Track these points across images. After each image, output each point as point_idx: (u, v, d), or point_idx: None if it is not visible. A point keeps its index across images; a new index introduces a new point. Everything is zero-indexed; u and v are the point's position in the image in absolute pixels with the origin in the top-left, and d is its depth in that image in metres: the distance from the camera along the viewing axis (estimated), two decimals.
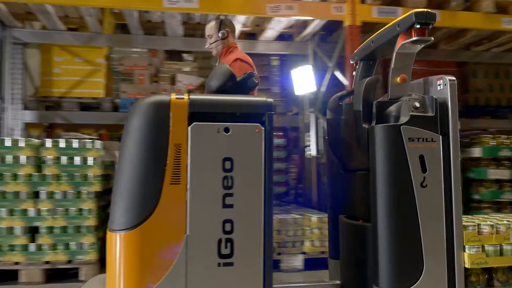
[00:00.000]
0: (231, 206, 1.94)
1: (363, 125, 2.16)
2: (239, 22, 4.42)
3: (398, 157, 2.08)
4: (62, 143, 3.56)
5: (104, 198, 3.77)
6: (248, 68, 2.81)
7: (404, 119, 2.10)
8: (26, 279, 3.34)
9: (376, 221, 2.06)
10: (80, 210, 3.50)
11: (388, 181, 2.08)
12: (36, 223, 3.43)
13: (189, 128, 1.91)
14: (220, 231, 1.92)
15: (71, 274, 3.50)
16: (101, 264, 3.59)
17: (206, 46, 2.99)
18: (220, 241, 1.92)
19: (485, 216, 3.20)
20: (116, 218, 1.85)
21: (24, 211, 3.41)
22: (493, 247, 2.60)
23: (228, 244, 1.94)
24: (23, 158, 3.43)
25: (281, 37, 5.11)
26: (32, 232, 3.44)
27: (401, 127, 2.09)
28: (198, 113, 1.95)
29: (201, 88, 5.38)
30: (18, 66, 4.85)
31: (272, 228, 2.01)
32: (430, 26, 2.17)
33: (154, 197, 1.85)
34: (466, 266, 2.69)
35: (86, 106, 5.14)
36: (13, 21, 4.49)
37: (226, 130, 1.96)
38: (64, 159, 3.52)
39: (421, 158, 2.12)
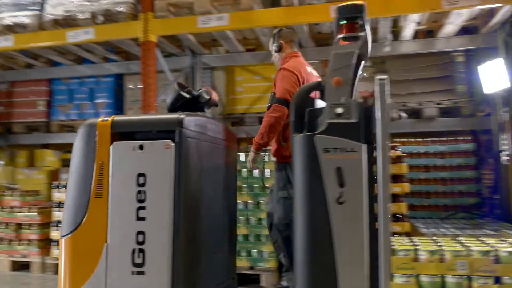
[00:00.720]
0: (143, 218, 2.09)
1: (293, 135, 1.92)
2: (413, 21, 4.13)
3: (310, 170, 1.82)
4: (242, 157, 3.84)
5: None
6: (290, 77, 2.80)
7: (321, 127, 1.84)
8: None
9: (296, 243, 1.85)
10: (260, 219, 3.72)
11: (301, 196, 1.84)
12: None
13: (111, 147, 2.13)
14: (134, 241, 2.08)
15: (253, 279, 3.71)
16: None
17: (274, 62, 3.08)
18: (133, 251, 2.08)
19: (435, 238, 2.26)
20: (61, 226, 2.18)
21: None
22: (430, 278, 1.77)
23: (141, 254, 2.07)
24: None
25: (464, 30, 4.58)
26: None
27: (315, 137, 1.84)
28: (119, 133, 2.15)
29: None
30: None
31: (185, 238, 2.05)
32: (360, 21, 1.93)
33: (83, 209, 2.13)
34: None
35: None
36: (201, 49, 5.06)
37: (141, 147, 2.13)
38: (244, 172, 3.80)
39: (338, 171, 1.80)
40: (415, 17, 4.06)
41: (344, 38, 1.94)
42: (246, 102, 5.46)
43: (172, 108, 2.53)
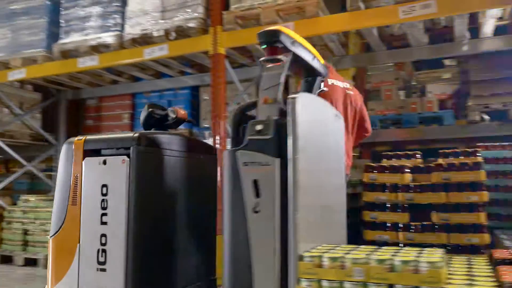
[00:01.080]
0: (106, 223, 2.49)
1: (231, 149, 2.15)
2: (492, 17, 3.85)
3: (233, 181, 2.07)
4: None
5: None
6: None
7: (243, 143, 2.08)
8: None
9: (224, 246, 2.10)
10: None
11: (226, 205, 2.10)
12: None
13: (83, 162, 2.56)
14: (99, 243, 2.49)
15: None
16: None
17: None
18: (98, 251, 2.48)
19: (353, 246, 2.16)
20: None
21: None
22: (330, 283, 1.79)
23: (103, 253, 2.47)
24: None
25: None
26: None
27: (237, 152, 2.08)
28: (90, 150, 2.59)
29: (454, 97, 4.91)
30: None
31: (138, 241, 2.41)
32: (279, 44, 2.11)
33: (63, 214, 2.59)
34: None
35: None
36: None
37: (104, 162, 2.51)
38: None
39: (255, 182, 2.02)
40: (495, 12, 3.78)
41: (266, 60, 2.17)
42: None
43: (146, 126, 2.92)
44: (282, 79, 2.14)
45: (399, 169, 3.52)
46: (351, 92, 3.26)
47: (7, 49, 5.44)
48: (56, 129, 6.68)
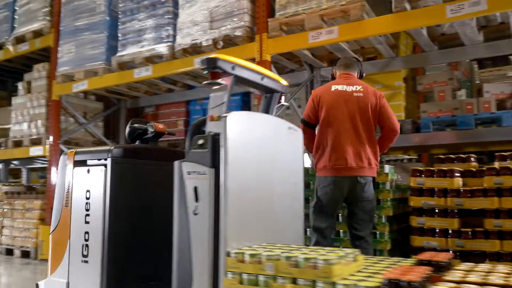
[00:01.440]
0: (88, 222, 2.95)
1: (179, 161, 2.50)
2: None
3: (180, 188, 2.46)
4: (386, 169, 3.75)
5: (396, 223, 3.75)
6: (310, 100, 3.38)
7: (187, 155, 2.46)
8: None
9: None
10: (374, 234, 3.61)
11: (175, 209, 2.49)
12: (336, 244, 3.75)
13: (73, 171, 3.06)
14: (83, 239, 2.96)
15: None
16: None
17: None
18: (83, 245, 2.95)
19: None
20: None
21: None
22: (248, 276, 2.11)
23: (86, 248, 2.94)
24: None
25: None
26: None
27: (182, 163, 2.45)
28: (78, 161, 3.07)
29: None
30: None
31: (112, 238, 2.85)
32: (218, 70, 2.45)
33: (59, 214, 3.10)
34: None
35: None
36: (319, 63, 5.12)
37: (88, 171, 2.99)
38: None
39: (195, 189, 2.40)
40: None
41: (209, 84, 2.50)
42: None
43: (130, 140, 3.36)
44: (225, 99, 2.50)
45: (448, 173, 3.41)
46: (361, 94, 3.24)
47: (72, 63, 5.86)
48: (117, 136, 7.09)
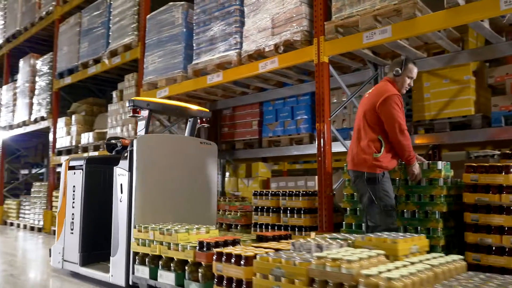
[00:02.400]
0: (74, 207, 4.73)
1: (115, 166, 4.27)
2: None
3: (115, 185, 4.15)
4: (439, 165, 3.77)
5: (450, 219, 3.72)
6: None
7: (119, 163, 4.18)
8: None
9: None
10: (428, 230, 3.64)
11: (114, 198, 4.17)
12: None
13: (67, 173, 4.92)
14: (71, 218, 4.76)
15: None
16: None
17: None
18: (71, 222, 4.73)
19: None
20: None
21: None
22: (142, 241, 3.79)
23: (72, 223, 4.69)
24: None
25: None
26: None
27: (116, 167, 4.18)
28: (70, 166, 4.90)
29: None
30: None
31: (85, 218, 4.67)
32: (136, 107, 4.43)
33: (61, 201, 4.97)
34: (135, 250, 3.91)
35: (457, 126, 5.15)
36: (382, 60, 5.16)
37: (74, 173, 4.81)
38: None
39: (121, 185, 4.07)
40: None
41: (132, 116, 4.46)
42: (435, 108, 5.27)
43: (108, 151, 4.89)
44: (143, 126, 4.45)
45: (503, 169, 3.34)
46: (366, 96, 3.75)
47: (156, 72, 6.52)
48: (198, 136, 7.66)
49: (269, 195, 4.86)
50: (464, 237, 3.51)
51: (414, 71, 3.76)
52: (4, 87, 11.54)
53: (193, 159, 4.43)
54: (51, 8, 9.55)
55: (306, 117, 6.36)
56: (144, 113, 4.41)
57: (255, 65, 5.17)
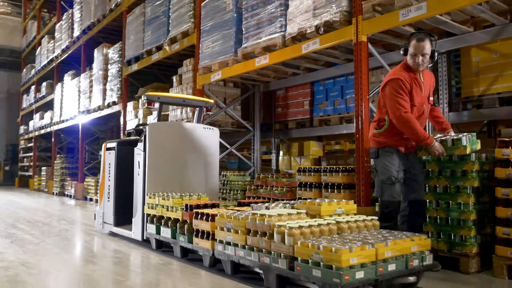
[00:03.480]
0: (110, 180, 5.85)
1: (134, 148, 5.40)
2: None
3: (135, 162, 5.24)
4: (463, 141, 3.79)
5: (485, 194, 3.74)
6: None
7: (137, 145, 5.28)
8: None
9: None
10: (459, 204, 3.69)
11: (134, 173, 5.27)
12: None
13: (105, 153, 6.02)
14: (108, 189, 5.90)
15: (451, 263, 3.74)
16: (481, 258, 3.62)
17: (424, 64, 3.75)
18: (107, 192, 5.91)
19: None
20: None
21: None
22: (152, 205, 4.78)
23: (109, 193, 5.85)
24: None
25: None
26: None
27: (134, 148, 5.27)
28: (107, 147, 5.98)
29: None
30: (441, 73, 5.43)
31: (117, 188, 5.78)
32: (149, 100, 5.53)
33: (101, 176, 6.15)
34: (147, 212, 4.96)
35: (507, 101, 5.01)
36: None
37: (110, 153, 5.92)
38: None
39: (139, 162, 5.15)
40: None
41: (147, 108, 5.98)
42: (483, 83, 5.15)
43: (137, 135, 5.47)
44: (155, 115, 5.60)
45: None
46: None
47: (210, 56, 6.90)
48: (253, 117, 8.01)
49: (312, 171, 5.08)
50: (495, 211, 3.54)
51: (415, 46, 3.69)
52: (82, 75, 12.62)
53: (197, 141, 5.45)
54: (119, 0, 10.28)
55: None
56: (156, 105, 5.53)
57: (299, 46, 5.35)
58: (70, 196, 12.98)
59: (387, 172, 3.68)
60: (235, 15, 6.50)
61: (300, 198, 5.22)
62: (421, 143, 3.60)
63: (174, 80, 8.31)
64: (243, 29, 6.22)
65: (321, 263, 2.64)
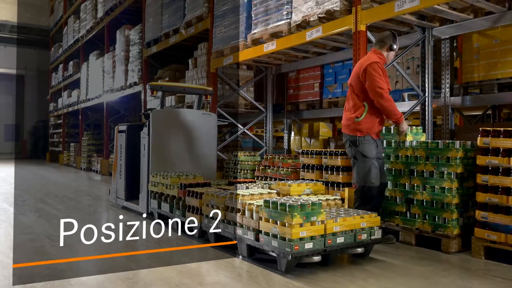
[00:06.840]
0: (121, 159, 6.40)
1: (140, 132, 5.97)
2: None
3: (141, 144, 5.84)
4: None
5: (470, 180, 3.95)
6: None
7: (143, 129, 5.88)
8: (402, 239, 4.20)
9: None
10: (443, 188, 3.94)
11: (141, 154, 5.84)
12: (410, 196, 4.19)
13: (118, 135, 6.54)
14: (119, 167, 6.46)
15: (435, 243, 4.01)
16: (463, 239, 3.88)
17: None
18: (119, 170, 6.47)
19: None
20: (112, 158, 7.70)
21: (403, 185, 4.26)
22: (156, 184, 5.38)
23: (120, 172, 6.43)
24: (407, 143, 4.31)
25: None
26: (408, 202, 4.23)
27: (140, 131, 5.87)
28: (120, 130, 6.48)
29: None
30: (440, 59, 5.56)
31: (127, 166, 6.32)
32: (153, 89, 6.32)
33: (114, 155, 6.76)
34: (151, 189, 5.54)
35: (505, 86, 5.13)
36: (429, 24, 5.25)
37: (121, 135, 6.41)
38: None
39: (143, 145, 5.76)
40: None
41: (151, 95, 6.49)
42: (483, 69, 5.27)
43: (145, 118, 6.01)
44: (159, 102, 6.63)
45: None
46: (357, 65, 4.21)
47: (222, 41, 7.17)
48: (265, 99, 8.28)
49: (314, 154, 5.37)
50: (475, 196, 3.77)
51: (397, 48, 4.33)
52: (105, 55, 13.08)
53: (196, 126, 6.08)
54: None
55: None
56: (159, 93, 6.39)
57: (303, 34, 5.56)
58: (96, 172, 13.66)
59: (368, 160, 3.98)
60: (246, 1, 6.71)
61: (303, 179, 5.53)
62: (397, 120, 4.05)
63: (190, 63, 8.63)
64: (253, 15, 6.45)
65: (278, 236, 3.24)
